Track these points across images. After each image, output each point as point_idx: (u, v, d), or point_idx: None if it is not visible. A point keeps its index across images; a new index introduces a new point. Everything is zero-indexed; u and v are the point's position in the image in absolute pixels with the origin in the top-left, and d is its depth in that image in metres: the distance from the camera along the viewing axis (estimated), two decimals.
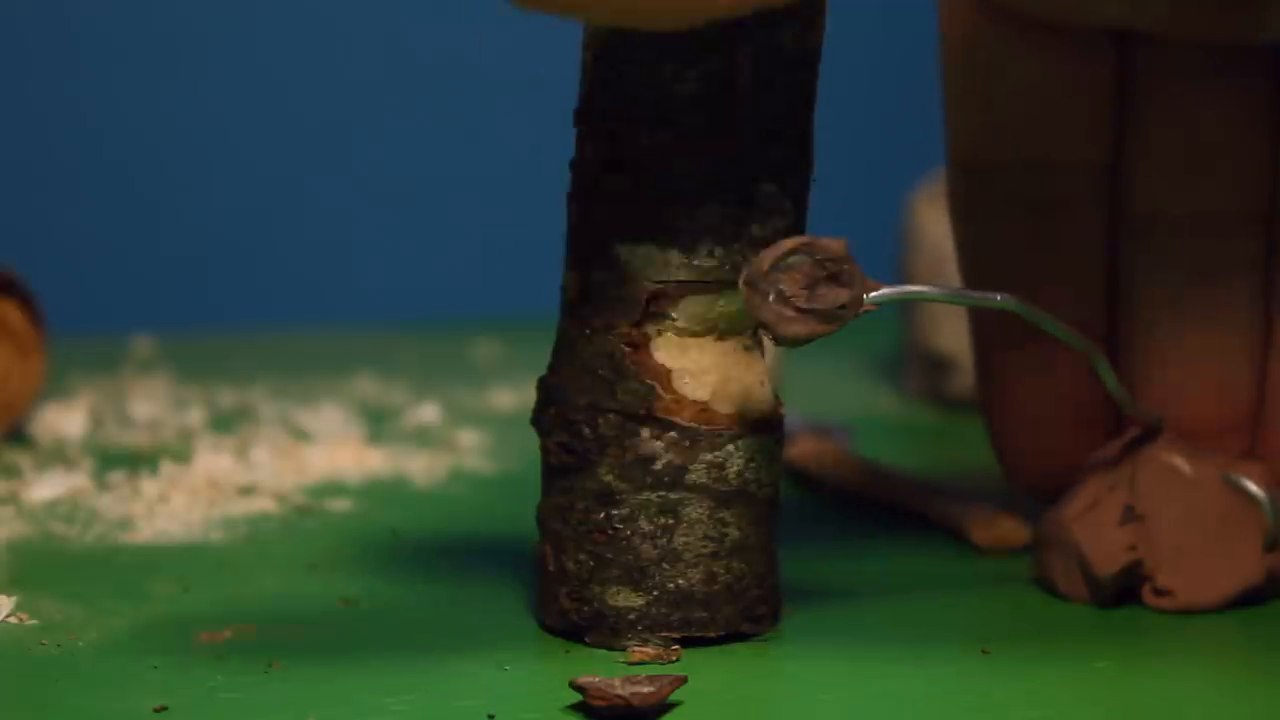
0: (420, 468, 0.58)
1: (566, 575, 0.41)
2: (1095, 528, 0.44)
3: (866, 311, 0.40)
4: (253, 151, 0.87)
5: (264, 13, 0.87)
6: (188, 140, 0.87)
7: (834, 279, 0.39)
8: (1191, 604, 0.44)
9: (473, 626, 0.43)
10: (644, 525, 0.41)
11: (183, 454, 0.57)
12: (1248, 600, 0.44)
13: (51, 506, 0.53)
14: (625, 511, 0.41)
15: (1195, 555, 0.44)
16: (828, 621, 0.43)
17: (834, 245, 0.39)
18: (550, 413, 0.41)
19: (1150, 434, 0.45)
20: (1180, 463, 0.44)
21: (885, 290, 0.40)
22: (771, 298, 0.39)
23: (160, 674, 0.39)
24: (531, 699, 0.39)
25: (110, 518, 0.51)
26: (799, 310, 0.39)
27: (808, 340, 0.39)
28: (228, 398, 0.67)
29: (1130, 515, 0.44)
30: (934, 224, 0.67)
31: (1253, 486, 0.44)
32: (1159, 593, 0.44)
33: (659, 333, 0.40)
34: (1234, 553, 0.44)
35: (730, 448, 0.41)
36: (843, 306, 0.39)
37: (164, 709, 0.37)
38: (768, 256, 0.39)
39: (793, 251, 0.39)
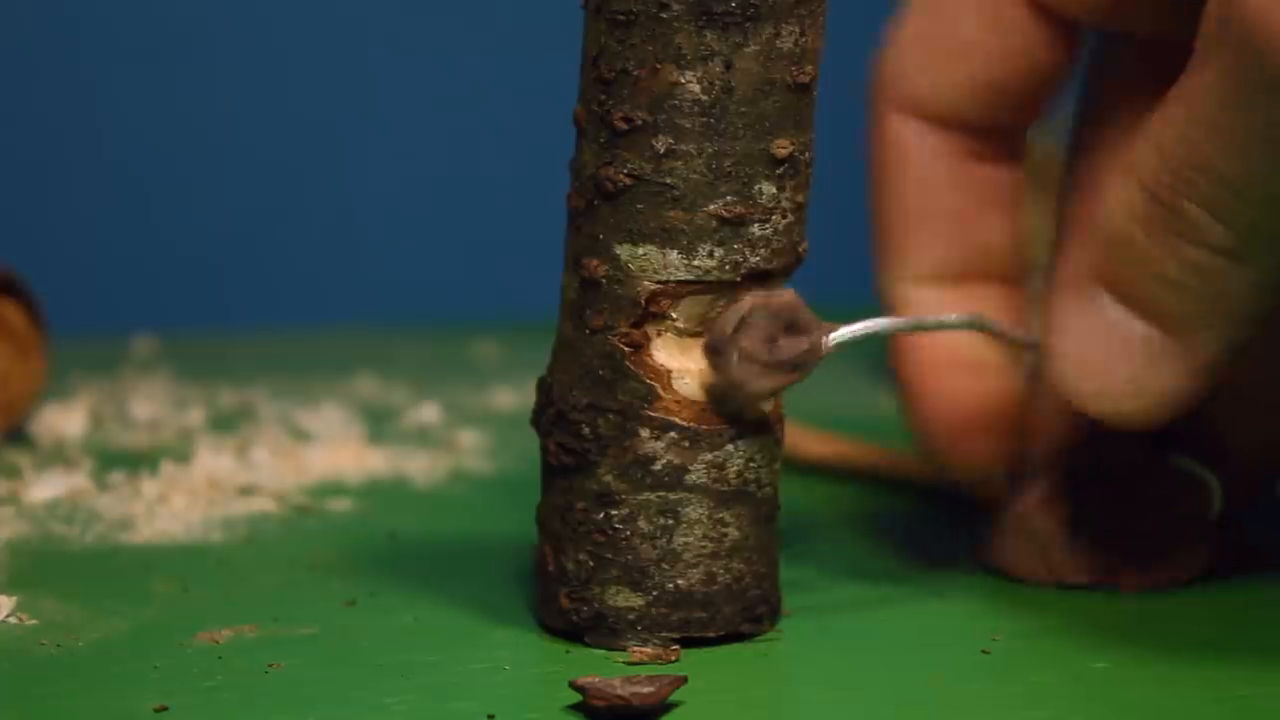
0: (420, 468, 0.58)
1: (566, 575, 0.41)
2: (1058, 515, 0.45)
3: (829, 354, 0.40)
4: (253, 151, 0.87)
5: (265, 13, 0.87)
6: (188, 140, 0.87)
7: (792, 329, 0.40)
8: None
9: (473, 626, 0.43)
10: (644, 526, 0.41)
11: (183, 454, 0.57)
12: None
13: (51, 506, 0.52)
14: (625, 512, 0.41)
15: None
16: (828, 621, 0.43)
17: (785, 296, 0.40)
18: (550, 413, 0.41)
19: None
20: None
21: (843, 330, 0.41)
22: (736, 358, 0.39)
23: (160, 674, 0.39)
24: (531, 699, 0.39)
25: (110, 518, 0.51)
26: (765, 365, 0.40)
27: (776, 392, 0.40)
28: (228, 398, 0.67)
29: None
30: None
31: (1197, 466, 0.45)
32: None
33: (659, 333, 0.40)
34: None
35: (730, 448, 0.41)
36: (806, 352, 0.40)
37: (164, 709, 0.37)
38: (729, 320, 0.40)
39: (750, 312, 0.39)
